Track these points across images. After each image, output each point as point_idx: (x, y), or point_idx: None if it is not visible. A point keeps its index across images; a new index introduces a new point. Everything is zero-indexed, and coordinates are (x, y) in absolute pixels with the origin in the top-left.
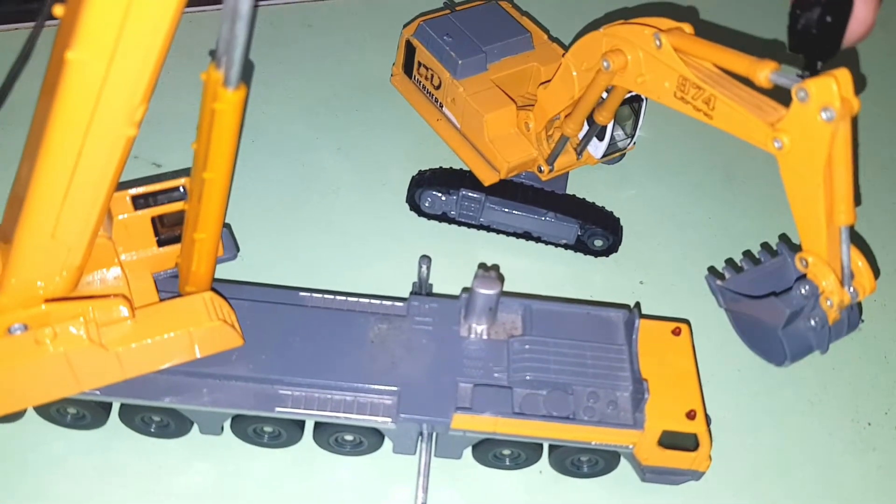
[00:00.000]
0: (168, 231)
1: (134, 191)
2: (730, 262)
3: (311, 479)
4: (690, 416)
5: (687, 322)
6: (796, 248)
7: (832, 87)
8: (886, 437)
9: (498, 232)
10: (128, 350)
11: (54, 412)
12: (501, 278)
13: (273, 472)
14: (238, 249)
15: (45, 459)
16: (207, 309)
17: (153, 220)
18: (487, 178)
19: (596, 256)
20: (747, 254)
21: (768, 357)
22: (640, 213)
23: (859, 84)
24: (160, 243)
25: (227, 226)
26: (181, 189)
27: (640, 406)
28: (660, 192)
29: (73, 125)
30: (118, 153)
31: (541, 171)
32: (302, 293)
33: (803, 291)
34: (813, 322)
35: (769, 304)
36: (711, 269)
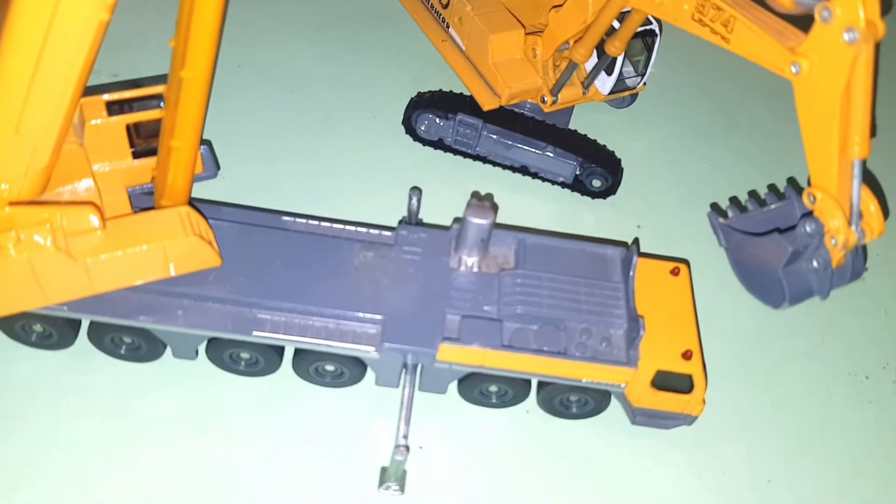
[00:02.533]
0: (144, 143)
1: (108, 96)
2: (734, 200)
3: (288, 410)
4: (686, 356)
5: (686, 262)
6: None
7: (857, 6)
8: (884, 390)
9: (494, 164)
10: (97, 262)
11: (19, 329)
12: (495, 208)
13: (249, 402)
14: (218, 168)
15: (8, 380)
16: (183, 223)
17: (128, 128)
18: (487, 102)
19: (593, 198)
20: (753, 194)
21: (766, 299)
22: (640, 157)
23: (885, 6)
24: (135, 155)
25: (207, 143)
26: (159, 98)
27: (635, 343)
28: (661, 137)
29: (40, 3)
30: (89, 39)
31: (544, 101)
32: (285, 217)
33: (808, 229)
34: (815, 263)
35: (771, 241)
36: (714, 206)
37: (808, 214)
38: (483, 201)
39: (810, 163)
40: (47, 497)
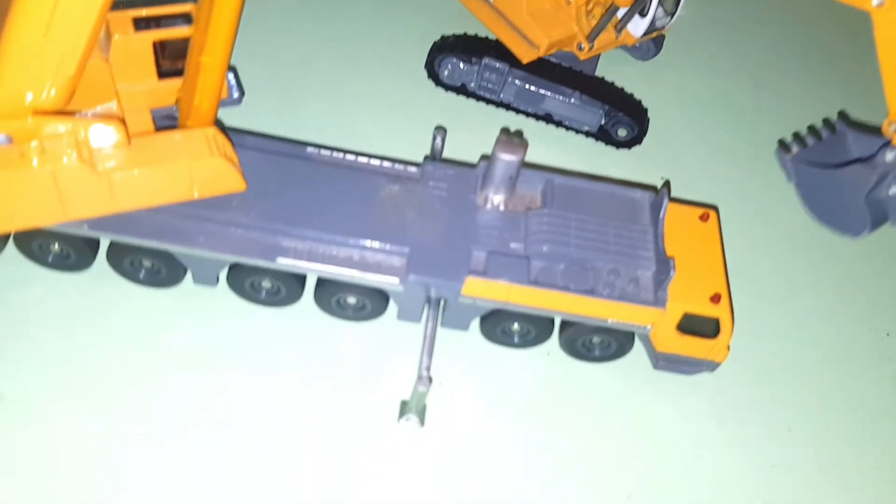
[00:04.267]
0: (170, 64)
1: (136, 12)
2: (796, 136)
3: (308, 342)
4: (715, 299)
5: (715, 209)
6: (854, 125)
7: None
8: None
9: (517, 112)
10: (121, 177)
11: (36, 248)
12: (525, 145)
13: (268, 333)
14: (243, 94)
15: (24, 301)
16: (209, 144)
17: (155, 46)
18: (525, 54)
19: (617, 148)
20: (812, 130)
21: (844, 228)
22: (666, 110)
23: None
24: (161, 75)
25: (232, 69)
26: (187, 16)
27: (664, 284)
28: (685, 91)
29: None
30: None
31: (580, 48)
32: (310, 148)
33: (888, 158)
34: (892, 191)
35: (853, 171)
36: (781, 143)
37: (887, 144)
38: (513, 137)
39: (889, 95)
40: (64, 416)
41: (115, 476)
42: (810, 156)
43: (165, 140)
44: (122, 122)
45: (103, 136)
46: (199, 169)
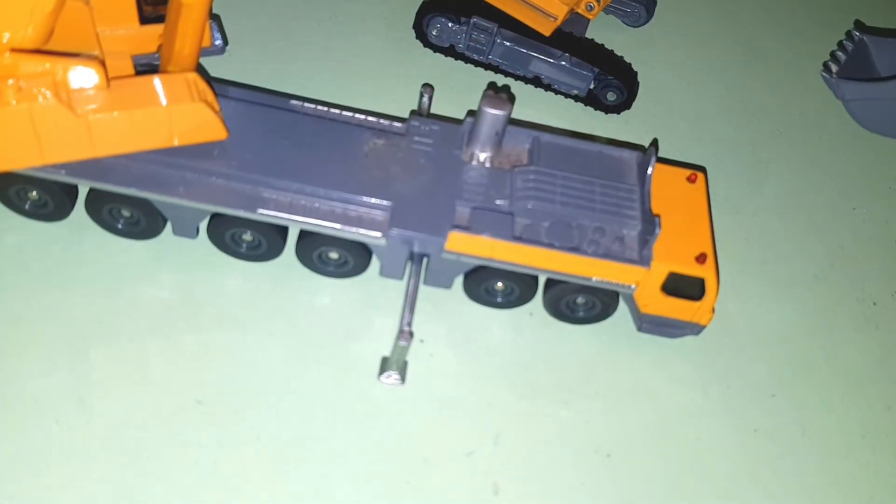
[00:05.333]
0: (152, 10)
1: None
2: (832, 55)
3: (288, 299)
4: (700, 259)
5: (703, 170)
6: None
7: None
8: (891, 317)
9: (505, 74)
10: (100, 120)
11: (13, 195)
12: (512, 100)
13: (247, 288)
14: (227, 43)
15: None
16: (190, 89)
17: None
18: (543, 27)
19: (606, 113)
20: (850, 35)
21: None
22: (656, 77)
23: None
24: (142, 21)
25: (216, 17)
26: None
27: (650, 243)
28: (677, 59)
29: None
30: None
31: (590, 9)
32: (294, 101)
33: None
34: None
35: None
36: (825, 65)
37: None
38: (500, 93)
39: None
40: (38, 365)
41: (86, 430)
42: (847, 71)
43: (145, 84)
44: (102, 63)
45: (82, 77)
46: (179, 113)
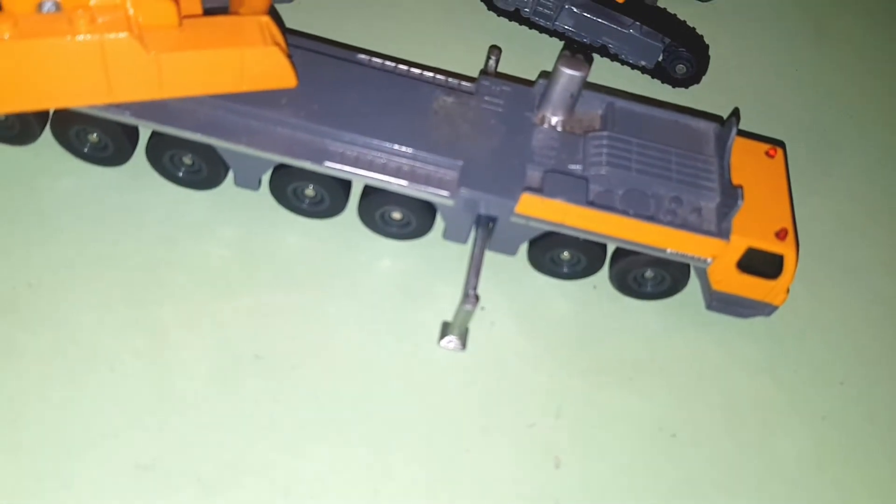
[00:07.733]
0: None
1: None
2: None
3: (348, 260)
4: (780, 235)
5: (782, 144)
6: None
7: None
8: None
9: (572, 42)
10: (171, 60)
11: (73, 136)
12: (590, 61)
13: (307, 246)
14: None
15: (54, 192)
16: (263, 32)
17: None
18: None
19: (674, 86)
20: None
21: None
22: (724, 52)
23: None
24: None
25: None
26: None
27: (730, 215)
28: (745, 36)
29: None
30: None
31: None
32: (363, 55)
33: None
34: None
35: None
36: None
37: None
38: (577, 54)
39: None
40: (91, 312)
41: (140, 379)
42: None
43: (217, 24)
44: (175, 2)
45: (154, 13)
46: (250, 57)
